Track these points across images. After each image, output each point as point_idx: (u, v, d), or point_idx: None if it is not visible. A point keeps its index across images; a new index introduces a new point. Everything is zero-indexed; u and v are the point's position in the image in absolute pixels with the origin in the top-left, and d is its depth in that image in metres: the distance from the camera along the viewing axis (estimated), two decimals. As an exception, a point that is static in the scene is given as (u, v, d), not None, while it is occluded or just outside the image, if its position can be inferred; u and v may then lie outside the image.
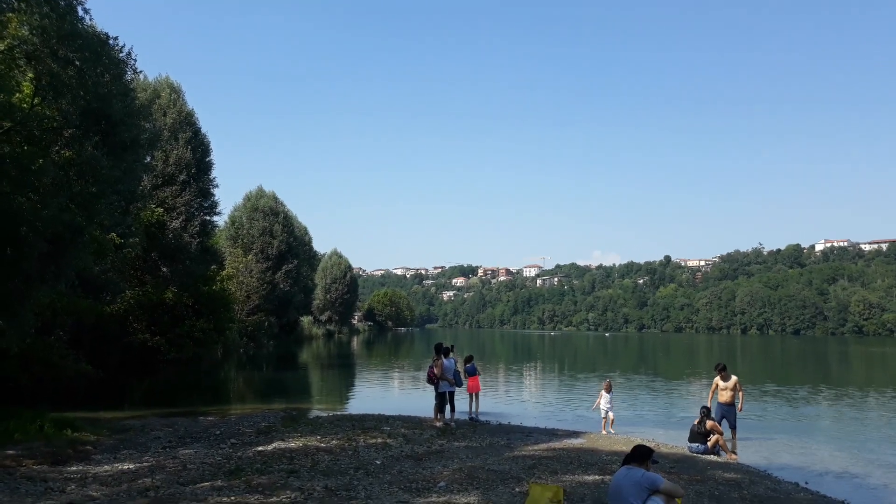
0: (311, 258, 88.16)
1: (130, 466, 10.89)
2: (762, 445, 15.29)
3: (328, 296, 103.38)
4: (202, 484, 9.49)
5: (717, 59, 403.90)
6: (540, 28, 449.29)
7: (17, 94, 12.86)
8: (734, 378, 15.27)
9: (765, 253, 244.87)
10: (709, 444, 13.95)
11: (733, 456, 13.74)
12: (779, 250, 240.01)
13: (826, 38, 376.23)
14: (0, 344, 13.79)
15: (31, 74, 12.74)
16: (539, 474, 10.59)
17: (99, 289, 28.46)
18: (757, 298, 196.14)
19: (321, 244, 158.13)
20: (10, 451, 11.50)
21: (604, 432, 16.23)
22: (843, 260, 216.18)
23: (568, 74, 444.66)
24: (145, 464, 11.15)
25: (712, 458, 13.50)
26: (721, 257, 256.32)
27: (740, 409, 15.35)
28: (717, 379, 15.35)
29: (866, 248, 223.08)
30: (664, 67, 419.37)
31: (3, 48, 12.17)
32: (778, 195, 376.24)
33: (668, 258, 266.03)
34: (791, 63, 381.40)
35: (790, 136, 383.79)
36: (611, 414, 16.72)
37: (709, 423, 14.19)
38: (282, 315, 68.17)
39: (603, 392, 16.96)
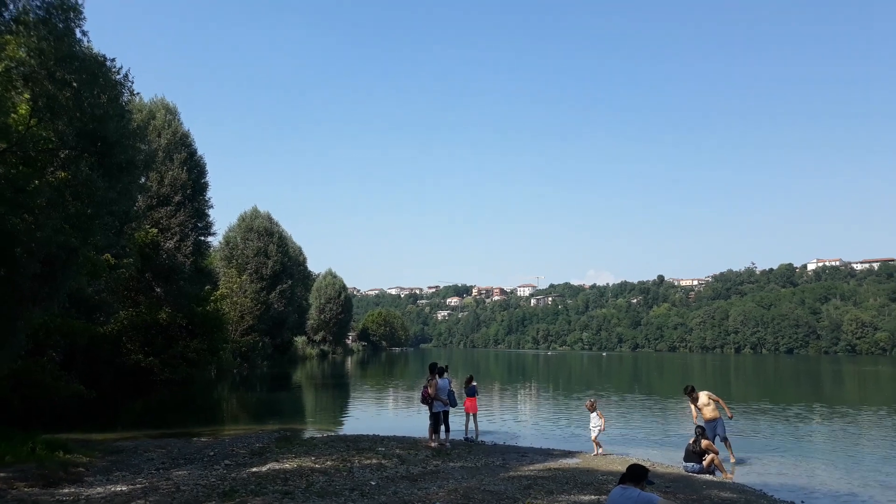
0: (306, 278, 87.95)
1: (123, 488, 10.81)
2: (757, 464, 15.29)
3: (322, 316, 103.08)
4: (196, 505, 9.44)
5: (709, 76, 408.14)
6: (537, 42, 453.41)
7: (13, 116, 12.91)
8: (705, 393, 15.58)
9: (757, 272, 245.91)
10: (704, 463, 13.95)
11: (729, 475, 13.75)
12: (771, 269, 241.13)
13: (818, 54, 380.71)
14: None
15: (27, 96, 12.79)
16: (535, 494, 10.57)
17: (92, 309, 28.34)
18: (750, 317, 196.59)
19: (315, 264, 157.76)
20: (2, 474, 11.41)
21: (597, 453, 16.10)
22: (836, 279, 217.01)
23: (563, 91, 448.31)
24: (138, 485, 11.07)
25: (708, 477, 13.50)
26: (714, 277, 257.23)
27: (730, 416, 15.61)
28: (690, 403, 15.64)
29: (858, 266, 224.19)
30: (657, 85, 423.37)
31: (0, 69, 12.24)
32: (770, 214, 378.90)
33: (661, 278, 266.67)
34: (785, 80, 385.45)
35: (782, 155, 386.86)
36: (593, 434, 16.31)
37: (704, 443, 14.21)
38: (276, 335, 67.88)
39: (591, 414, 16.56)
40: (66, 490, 10.68)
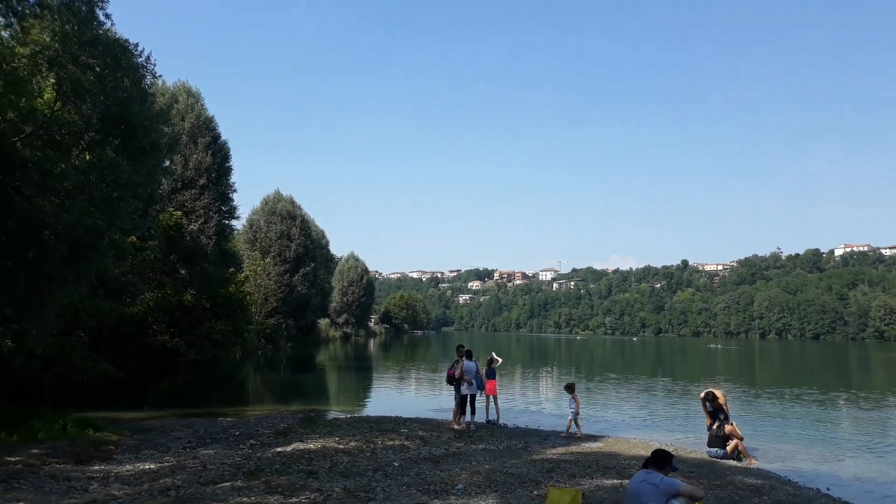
0: (328, 261, 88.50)
1: (151, 466, 10.98)
2: (782, 451, 15.11)
3: (345, 298, 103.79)
4: (222, 484, 9.55)
5: (737, 60, 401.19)
6: (561, 25, 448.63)
7: (39, 99, 13.03)
8: (720, 393, 14.82)
9: (783, 257, 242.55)
10: (728, 448, 13.80)
11: (753, 461, 13.58)
12: (797, 255, 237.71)
13: (844, 38, 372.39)
14: (24, 345, 13.95)
15: (52, 80, 12.89)
16: (557, 478, 10.55)
17: (119, 291, 28.73)
18: (775, 303, 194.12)
19: (338, 247, 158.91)
20: (35, 450, 11.65)
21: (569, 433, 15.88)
22: (864, 265, 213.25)
23: (586, 75, 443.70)
24: (166, 464, 11.24)
25: (732, 463, 13.35)
26: (739, 262, 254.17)
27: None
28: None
29: (887, 252, 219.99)
30: (684, 68, 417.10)
31: (26, 54, 12.33)
32: (796, 199, 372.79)
33: (685, 262, 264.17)
34: (813, 64, 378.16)
35: (809, 139, 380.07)
36: (569, 418, 16.23)
37: (728, 428, 14.05)
38: (299, 317, 68.52)
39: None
40: (97, 467, 10.87)
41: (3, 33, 12.78)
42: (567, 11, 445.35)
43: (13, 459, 10.78)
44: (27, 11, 11.72)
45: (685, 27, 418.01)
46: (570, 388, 16.64)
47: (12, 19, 11.56)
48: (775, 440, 16.42)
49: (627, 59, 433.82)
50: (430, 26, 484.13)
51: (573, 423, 16.17)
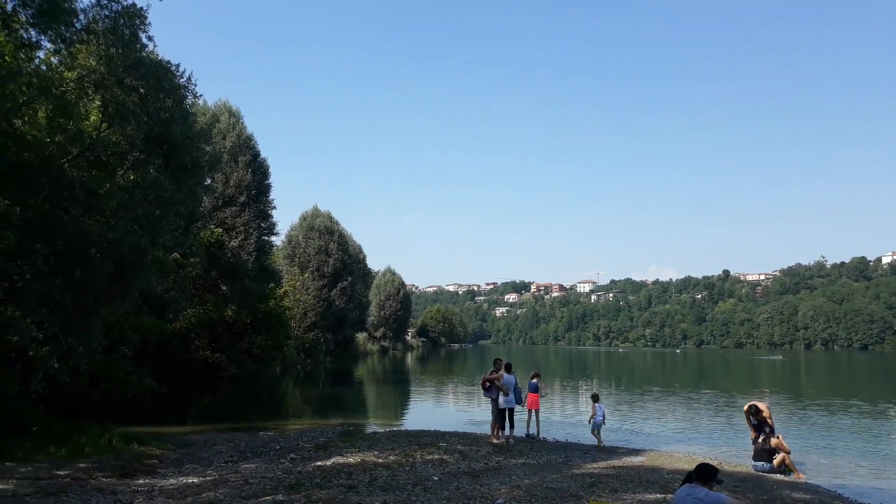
0: (366, 275, 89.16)
1: (194, 480, 11.12)
2: (831, 465, 14.69)
3: (382, 312, 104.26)
4: (264, 498, 9.63)
5: (778, 64, 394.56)
6: (593, 36, 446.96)
7: (86, 122, 13.41)
8: (763, 406, 14.48)
9: (828, 266, 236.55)
10: (775, 462, 13.46)
11: (801, 475, 13.22)
12: (843, 263, 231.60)
13: (876, 43, 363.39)
14: (71, 361, 14.29)
15: (98, 102, 13.26)
16: (599, 492, 10.40)
17: (162, 307, 29.28)
18: (821, 313, 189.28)
19: (375, 261, 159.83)
20: (82, 464, 11.90)
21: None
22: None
23: (621, 83, 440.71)
24: (208, 478, 11.38)
25: (779, 477, 13.02)
26: (782, 271, 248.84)
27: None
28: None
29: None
30: (724, 78, 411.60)
31: (73, 78, 12.72)
32: (841, 206, 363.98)
33: (726, 272, 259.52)
34: (854, 68, 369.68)
35: (854, 144, 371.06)
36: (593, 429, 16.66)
37: (774, 441, 13.71)
38: (337, 331, 69.02)
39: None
40: (141, 481, 11.06)
41: (52, 59, 13.21)
42: (613, 31, 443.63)
43: (62, 473, 11.03)
44: (74, 37, 12.08)
45: (729, 28, 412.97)
46: (595, 398, 17.07)
47: (61, 45, 11.93)
48: (823, 454, 15.98)
49: (666, 69, 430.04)
50: (464, 41, 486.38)
51: (597, 433, 16.47)
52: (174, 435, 17.35)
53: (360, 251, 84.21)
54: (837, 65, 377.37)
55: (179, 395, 27.82)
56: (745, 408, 14.58)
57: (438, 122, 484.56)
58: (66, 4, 10.92)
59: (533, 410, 17.87)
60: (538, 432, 17.69)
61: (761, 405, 14.42)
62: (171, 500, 9.54)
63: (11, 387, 13.93)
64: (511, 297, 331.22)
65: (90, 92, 13.01)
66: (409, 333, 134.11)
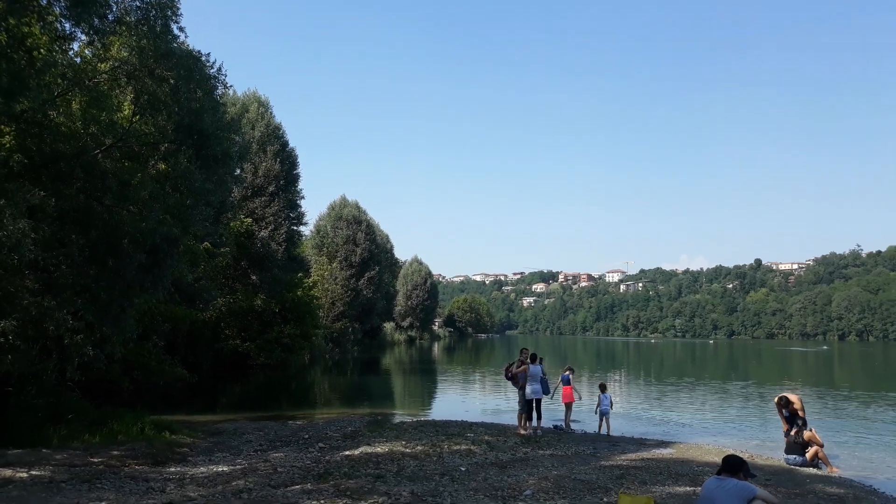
0: (393, 265, 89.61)
1: (225, 468, 11.26)
2: (866, 459, 14.40)
3: (409, 302, 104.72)
4: (293, 487, 9.71)
5: (812, 53, 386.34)
6: (630, 23, 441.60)
7: (119, 113, 13.57)
8: (795, 397, 14.26)
9: (863, 255, 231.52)
10: (808, 455, 13.22)
11: (835, 469, 12.97)
12: (879, 252, 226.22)
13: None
14: (105, 350, 14.53)
15: (130, 93, 13.41)
16: (628, 484, 10.31)
17: (193, 296, 29.64)
18: (855, 303, 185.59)
19: (402, 251, 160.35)
20: (115, 452, 12.12)
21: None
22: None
23: (651, 71, 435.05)
24: (238, 466, 11.51)
25: (812, 470, 12.78)
26: (815, 260, 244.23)
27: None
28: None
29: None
30: (757, 67, 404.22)
31: (106, 69, 12.87)
32: (876, 194, 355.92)
33: (758, 262, 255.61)
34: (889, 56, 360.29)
35: (888, 130, 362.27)
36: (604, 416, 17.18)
37: (807, 434, 13.47)
38: (365, 321, 69.46)
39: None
40: (173, 469, 11.23)
41: (86, 51, 13.37)
42: (642, 20, 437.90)
43: (96, 460, 11.24)
44: (107, 29, 12.20)
45: (761, 17, 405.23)
46: (602, 388, 17.64)
47: (94, 37, 12.05)
48: (858, 447, 15.67)
49: (696, 57, 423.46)
50: (493, 28, 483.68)
51: (606, 420, 17.01)
52: (204, 423, 17.60)
53: (388, 241, 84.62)
54: (872, 50, 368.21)
55: (209, 383, 28.21)
56: (776, 399, 14.38)
57: (467, 112, 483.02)
58: (98, -4, 11.01)
59: (567, 402, 17.84)
60: (567, 424, 17.61)
61: (792, 397, 14.20)
62: (201, 488, 9.66)
63: (49, 375, 14.21)
64: (538, 287, 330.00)
65: (123, 83, 13.15)
66: (436, 323, 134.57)
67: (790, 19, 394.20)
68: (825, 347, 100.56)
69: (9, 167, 11.51)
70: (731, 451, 12.65)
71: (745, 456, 12.81)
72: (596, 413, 17.41)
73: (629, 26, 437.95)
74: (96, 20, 11.38)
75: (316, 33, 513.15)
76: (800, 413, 13.88)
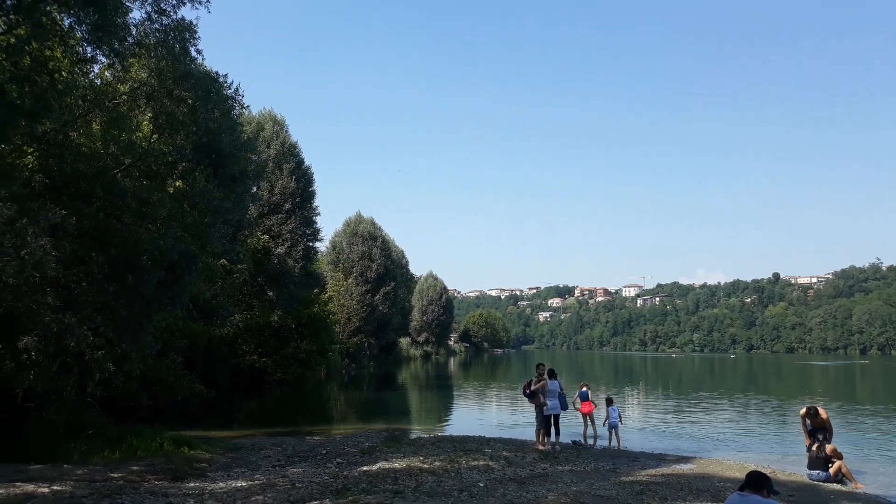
0: (408, 280, 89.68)
1: (243, 484, 11.29)
2: (892, 474, 14.17)
3: (425, 317, 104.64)
4: (311, 502, 9.73)
5: (828, 64, 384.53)
6: (655, 33, 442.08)
7: (138, 133, 13.82)
8: (822, 410, 14.09)
9: (884, 268, 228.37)
10: (831, 471, 13.03)
11: (859, 485, 12.78)
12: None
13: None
14: (123, 367, 14.67)
15: (149, 114, 13.67)
16: (648, 501, 10.23)
17: (210, 313, 29.85)
18: (877, 316, 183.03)
19: (417, 266, 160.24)
20: (135, 467, 12.19)
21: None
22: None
23: (666, 82, 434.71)
24: (257, 482, 11.54)
25: (836, 486, 12.60)
26: (835, 273, 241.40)
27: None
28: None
29: None
30: (773, 79, 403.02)
31: (126, 91, 13.13)
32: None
33: (776, 275, 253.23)
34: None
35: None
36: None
37: (829, 448, 13.29)
38: (381, 336, 69.50)
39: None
40: (192, 484, 11.28)
41: (106, 73, 13.65)
42: (660, 41, 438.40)
43: (116, 476, 11.32)
44: (127, 51, 12.45)
45: (771, 23, 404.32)
46: (609, 402, 17.66)
47: (114, 59, 12.30)
48: (883, 463, 15.43)
49: (715, 70, 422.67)
50: (521, 43, 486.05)
51: (614, 434, 17.06)
52: (223, 439, 17.66)
53: (403, 256, 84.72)
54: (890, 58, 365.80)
55: (227, 399, 28.32)
56: (803, 411, 14.15)
57: (478, 128, 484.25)
58: (119, 20, 11.24)
59: (588, 417, 17.80)
60: (584, 439, 17.54)
61: (820, 409, 14.02)
62: (221, 504, 9.70)
63: (69, 391, 14.36)
64: (554, 302, 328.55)
65: (142, 104, 13.42)
66: (452, 338, 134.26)
67: (812, 29, 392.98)
68: (850, 362, 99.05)
69: (31, 187, 11.74)
70: (753, 467, 12.54)
71: (767, 471, 12.64)
72: (605, 426, 17.36)
73: (655, 37, 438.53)
74: (116, 43, 11.61)
75: (334, 44, 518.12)
76: (826, 426, 13.71)
